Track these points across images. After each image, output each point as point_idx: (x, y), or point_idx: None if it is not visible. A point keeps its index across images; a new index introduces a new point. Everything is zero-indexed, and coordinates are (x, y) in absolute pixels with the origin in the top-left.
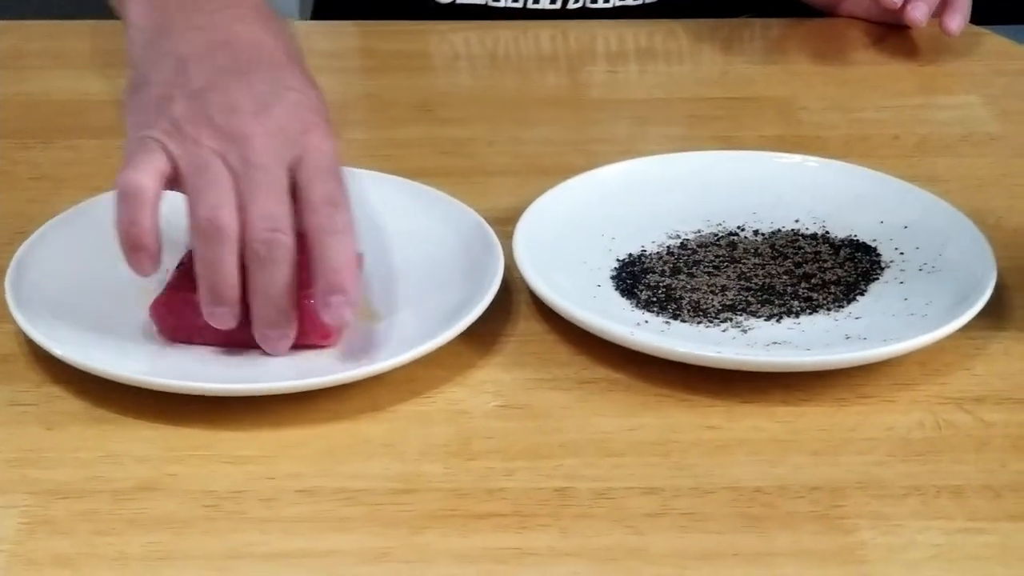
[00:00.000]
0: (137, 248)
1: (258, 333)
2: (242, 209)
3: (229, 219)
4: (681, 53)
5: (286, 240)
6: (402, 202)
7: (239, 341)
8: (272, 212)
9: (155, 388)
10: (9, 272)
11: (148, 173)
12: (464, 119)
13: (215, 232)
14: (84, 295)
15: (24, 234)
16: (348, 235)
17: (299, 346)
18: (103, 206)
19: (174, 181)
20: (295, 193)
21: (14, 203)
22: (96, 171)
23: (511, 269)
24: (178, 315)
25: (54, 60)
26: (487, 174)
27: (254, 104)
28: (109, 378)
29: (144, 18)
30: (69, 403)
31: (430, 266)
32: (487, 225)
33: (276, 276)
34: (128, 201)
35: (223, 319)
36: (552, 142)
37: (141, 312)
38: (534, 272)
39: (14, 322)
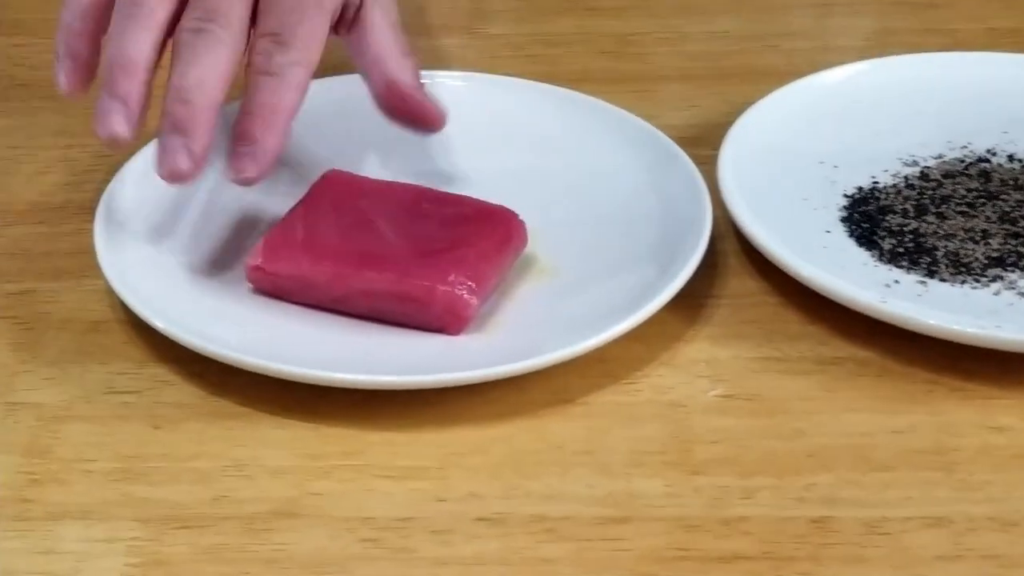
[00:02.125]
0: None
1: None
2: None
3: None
4: None
5: (219, 31)
6: (565, 119)
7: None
8: (215, 6)
9: (291, 379)
10: (98, 214)
11: None
12: (625, 8)
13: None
14: (196, 248)
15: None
16: (282, 80)
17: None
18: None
19: None
20: None
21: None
22: None
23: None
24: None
25: None
26: (660, 79)
27: None
28: (230, 363)
29: None
30: (180, 391)
31: (613, 206)
32: (682, 151)
33: (202, 68)
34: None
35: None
36: (734, 37)
37: None
38: (750, 216)
39: (107, 279)
